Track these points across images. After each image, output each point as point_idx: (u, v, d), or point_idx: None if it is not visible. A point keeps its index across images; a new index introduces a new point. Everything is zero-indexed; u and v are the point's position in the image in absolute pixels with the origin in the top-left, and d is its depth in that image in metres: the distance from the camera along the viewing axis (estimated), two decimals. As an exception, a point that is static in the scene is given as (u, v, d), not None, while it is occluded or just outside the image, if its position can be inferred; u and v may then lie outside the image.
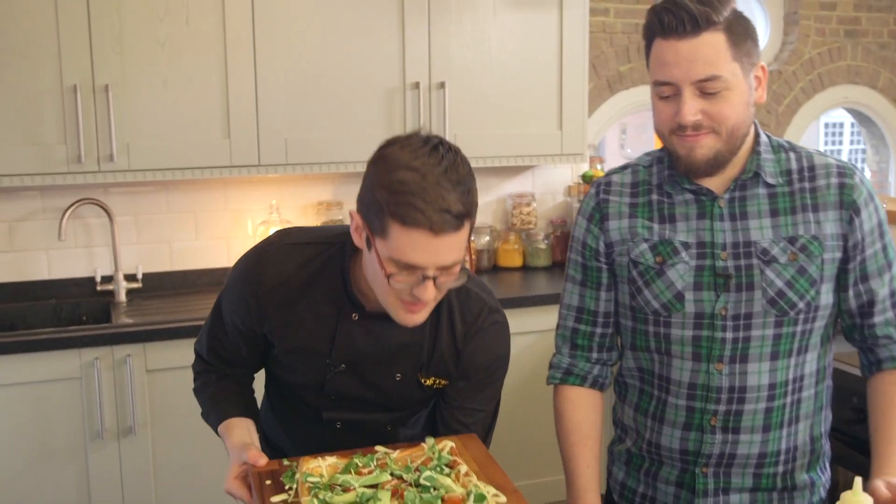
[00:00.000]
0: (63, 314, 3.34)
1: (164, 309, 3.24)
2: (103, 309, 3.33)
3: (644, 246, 1.69)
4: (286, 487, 1.49)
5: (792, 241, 1.61)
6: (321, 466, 1.50)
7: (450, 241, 1.42)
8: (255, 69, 3.21)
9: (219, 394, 1.79)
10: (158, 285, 3.53)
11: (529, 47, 3.58)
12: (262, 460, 1.55)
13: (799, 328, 1.63)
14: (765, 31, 5.56)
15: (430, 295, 1.46)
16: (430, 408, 1.81)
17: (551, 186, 4.15)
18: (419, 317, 1.52)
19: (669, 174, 1.69)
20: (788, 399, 1.66)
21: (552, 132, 3.66)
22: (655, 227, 1.69)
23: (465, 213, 1.43)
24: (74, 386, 2.90)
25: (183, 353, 2.88)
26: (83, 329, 2.95)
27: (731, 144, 1.59)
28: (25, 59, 2.98)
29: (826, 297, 1.64)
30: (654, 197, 1.71)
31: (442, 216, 1.39)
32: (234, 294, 1.69)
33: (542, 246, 3.97)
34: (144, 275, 3.51)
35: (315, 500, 1.38)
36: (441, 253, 1.42)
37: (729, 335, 1.62)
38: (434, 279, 1.45)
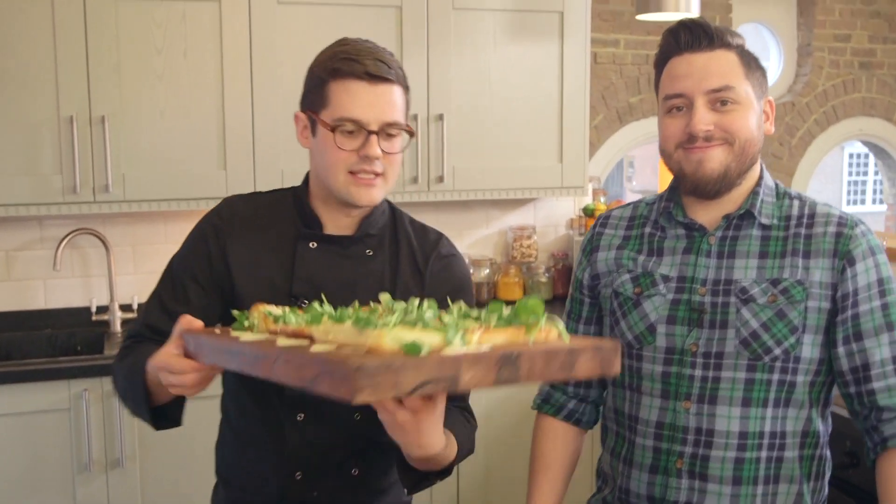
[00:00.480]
0: (58, 344, 3.34)
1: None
2: (98, 339, 3.33)
3: (626, 276, 1.68)
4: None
5: (775, 282, 1.56)
6: (264, 307, 1.35)
7: (387, 93, 1.52)
8: (251, 101, 3.22)
9: (146, 350, 1.53)
10: (155, 315, 3.52)
11: (530, 79, 3.56)
12: (198, 322, 1.38)
13: (776, 377, 1.55)
14: (778, 63, 5.52)
15: (377, 152, 1.51)
16: None
17: (553, 219, 4.12)
18: (374, 192, 1.55)
19: (665, 206, 1.68)
20: (764, 454, 1.57)
21: (552, 165, 3.63)
22: (641, 258, 1.67)
23: (399, 76, 1.55)
24: (63, 417, 2.89)
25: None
26: (72, 360, 2.94)
27: (742, 163, 1.56)
28: (23, 89, 3.00)
29: (810, 349, 1.56)
30: (647, 230, 1.70)
31: (376, 64, 1.51)
32: (190, 240, 1.66)
33: (543, 279, 3.93)
34: (140, 305, 3.50)
35: (294, 316, 1.23)
36: (380, 104, 1.51)
37: (698, 373, 1.57)
38: (378, 136, 1.51)
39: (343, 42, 1.58)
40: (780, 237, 1.59)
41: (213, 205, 3.16)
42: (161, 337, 1.55)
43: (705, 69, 1.54)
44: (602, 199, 4.13)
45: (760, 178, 1.63)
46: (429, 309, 1.22)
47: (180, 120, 3.16)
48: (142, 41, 3.10)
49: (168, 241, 3.55)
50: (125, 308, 3.46)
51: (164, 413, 1.56)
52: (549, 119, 3.60)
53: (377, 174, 1.54)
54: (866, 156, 14.58)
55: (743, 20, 5.25)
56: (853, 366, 1.56)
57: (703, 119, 1.53)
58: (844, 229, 1.57)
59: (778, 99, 5.43)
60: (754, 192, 1.61)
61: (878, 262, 1.57)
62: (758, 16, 5.34)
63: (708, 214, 1.63)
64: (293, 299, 1.59)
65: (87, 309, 3.46)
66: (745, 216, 1.61)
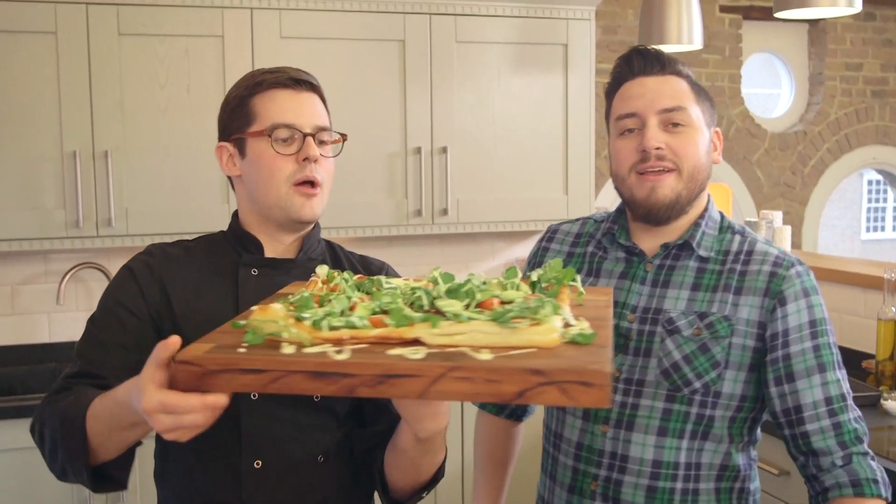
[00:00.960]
0: (61, 378, 3.34)
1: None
2: (101, 373, 3.32)
3: None
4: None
5: (702, 316, 1.56)
6: (279, 309, 1.11)
7: (311, 100, 1.51)
8: (254, 135, 3.22)
9: (85, 394, 1.33)
10: (158, 349, 3.51)
11: (534, 111, 3.55)
12: (175, 341, 1.11)
13: (694, 410, 1.54)
14: (789, 92, 5.49)
15: (316, 152, 1.47)
16: (369, 458, 1.53)
17: (560, 251, 4.09)
18: (315, 203, 1.50)
19: (608, 228, 1.69)
20: (679, 485, 1.55)
21: (558, 196, 3.61)
22: (578, 278, 1.67)
23: (320, 88, 1.54)
24: (63, 453, 2.88)
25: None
26: (73, 395, 2.94)
27: (691, 190, 1.58)
28: (27, 125, 3.02)
29: (732, 385, 1.54)
30: (590, 249, 1.71)
31: (297, 73, 1.51)
32: (115, 282, 1.50)
33: (550, 311, 3.90)
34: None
35: (358, 319, 1.08)
36: (307, 110, 1.49)
37: (618, 398, 1.58)
38: (314, 138, 1.47)
39: (254, 70, 1.57)
40: (716, 271, 1.59)
41: (215, 239, 3.20)
42: (99, 378, 1.39)
43: (658, 91, 1.57)
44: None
45: (706, 209, 1.64)
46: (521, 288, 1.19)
47: (183, 154, 3.17)
48: (145, 76, 3.12)
49: (172, 274, 3.54)
50: (129, 342, 3.46)
51: (103, 472, 1.34)
52: (554, 151, 3.59)
53: (316, 183, 1.49)
54: (881, 182, 14.47)
55: (753, 50, 5.24)
56: (785, 407, 1.54)
57: (656, 136, 1.54)
58: (779, 269, 1.56)
59: (790, 128, 5.40)
60: (696, 224, 1.62)
61: (812, 303, 1.55)
62: (768, 45, 5.33)
63: (650, 241, 1.64)
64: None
65: (91, 343, 3.46)
66: (683, 247, 1.61)
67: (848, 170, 5.50)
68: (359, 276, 1.36)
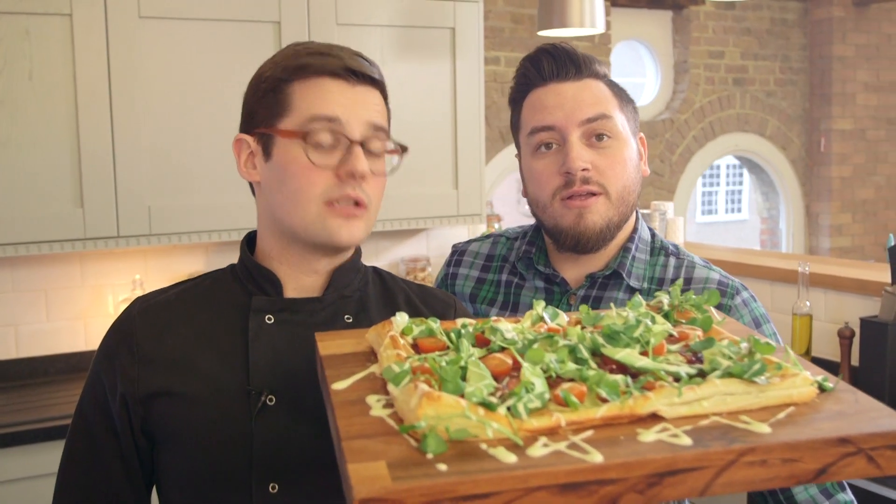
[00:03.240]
0: None
1: (8, 406, 2.79)
2: (-68, 409, 2.85)
3: None
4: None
5: None
6: (451, 396, 0.81)
7: (369, 99, 1.16)
8: (111, 129, 2.83)
9: None
10: (2, 376, 3.06)
11: (422, 100, 3.31)
12: None
13: None
14: (655, 81, 5.49)
15: (364, 166, 1.11)
16: None
17: (447, 249, 3.87)
18: (355, 227, 1.14)
19: (526, 251, 1.46)
20: None
21: (447, 192, 3.38)
22: (493, 311, 1.46)
23: (383, 83, 1.20)
24: None
25: (31, 461, 2.46)
26: None
27: (623, 214, 1.37)
28: None
29: None
30: (505, 277, 1.49)
31: (354, 59, 1.16)
32: (94, 365, 1.20)
33: (440, 313, 3.68)
34: (-16, 365, 3.03)
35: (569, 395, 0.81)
36: (360, 106, 1.14)
37: None
38: (364, 147, 1.13)
39: (299, 43, 1.21)
40: None
41: (68, 248, 2.79)
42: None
43: (577, 98, 1.34)
44: (496, 226, 3.92)
45: (634, 230, 1.44)
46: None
47: (27, 152, 2.74)
48: (-23, 61, 2.67)
49: (16, 289, 3.09)
50: (-35, 370, 2.99)
51: None
52: (442, 142, 3.35)
53: (359, 203, 1.14)
54: (717, 167, 15.17)
55: (620, 37, 5.20)
56: None
57: (580, 155, 1.32)
58: (723, 300, 1.37)
59: (657, 116, 5.40)
60: (625, 248, 1.42)
61: (765, 334, 1.38)
62: (634, 33, 5.30)
63: (574, 269, 1.43)
64: (256, 403, 1.12)
65: (-82, 374, 2.97)
66: (612, 276, 1.41)
67: (712, 157, 5.57)
68: (443, 322, 1.01)
